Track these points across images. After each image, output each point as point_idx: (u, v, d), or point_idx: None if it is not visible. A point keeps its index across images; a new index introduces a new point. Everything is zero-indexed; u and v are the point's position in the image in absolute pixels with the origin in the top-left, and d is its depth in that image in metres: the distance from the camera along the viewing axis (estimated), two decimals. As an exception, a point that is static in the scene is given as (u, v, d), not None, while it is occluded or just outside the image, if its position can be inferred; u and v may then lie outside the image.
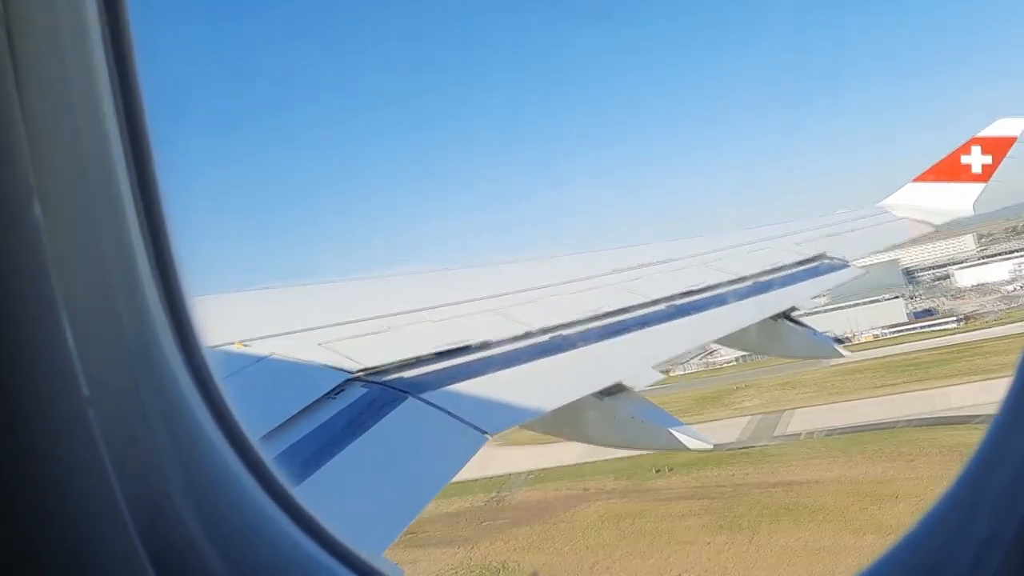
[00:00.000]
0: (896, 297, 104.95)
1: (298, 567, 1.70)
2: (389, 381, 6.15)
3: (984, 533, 1.36)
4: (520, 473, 62.75)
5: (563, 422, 7.60)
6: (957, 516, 1.48)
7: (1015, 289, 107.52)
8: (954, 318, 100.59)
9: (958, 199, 18.09)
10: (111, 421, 1.42)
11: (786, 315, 10.71)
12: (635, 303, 9.19)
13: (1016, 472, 1.36)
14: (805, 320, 11.02)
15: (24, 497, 1.29)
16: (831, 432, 68.34)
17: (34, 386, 1.30)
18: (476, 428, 5.85)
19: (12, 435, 1.27)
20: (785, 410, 77.35)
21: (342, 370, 6.08)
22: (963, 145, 18.56)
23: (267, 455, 1.80)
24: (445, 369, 6.71)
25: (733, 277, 10.86)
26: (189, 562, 1.51)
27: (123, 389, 1.50)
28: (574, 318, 8.28)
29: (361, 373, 6.11)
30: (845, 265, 12.87)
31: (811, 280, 11.95)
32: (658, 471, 64.32)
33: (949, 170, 18.40)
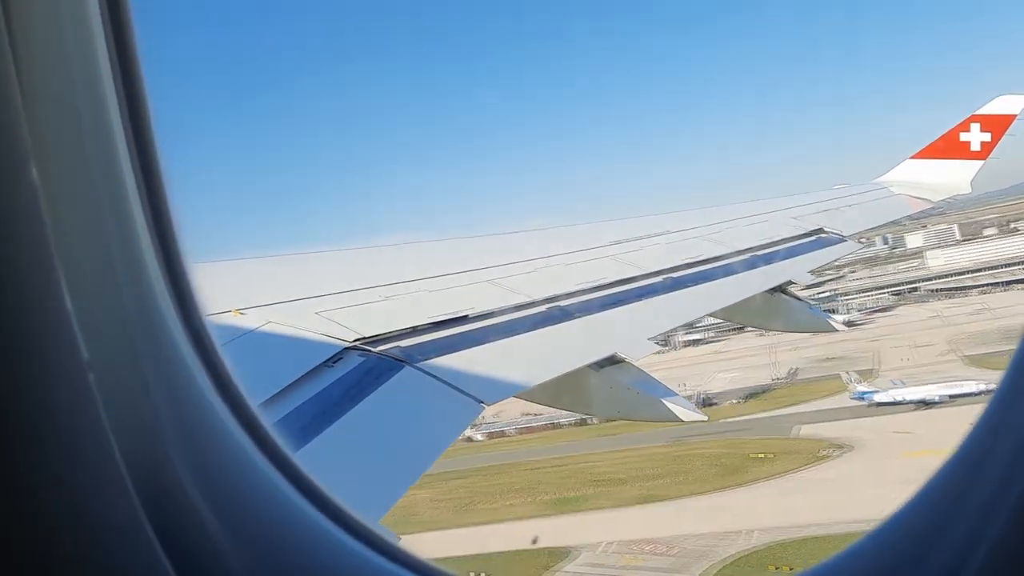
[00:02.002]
0: None
1: (296, 530, 1.71)
2: (386, 350, 6.15)
3: (978, 512, 1.36)
4: None
5: (560, 392, 7.63)
6: (955, 488, 1.48)
7: None
8: None
9: (956, 176, 18.09)
10: (111, 385, 1.42)
11: (783, 289, 10.73)
12: (633, 275, 9.20)
13: (1016, 445, 1.36)
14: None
15: (25, 460, 1.29)
16: None
17: (34, 350, 1.30)
18: (473, 398, 5.87)
19: (12, 399, 1.27)
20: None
21: (339, 339, 6.08)
22: (962, 122, 18.53)
23: (265, 419, 1.81)
24: (442, 339, 6.72)
25: (731, 250, 10.87)
26: (188, 524, 1.51)
27: (122, 353, 1.50)
28: (572, 289, 8.29)
29: (358, 342, 6.12)
30: (842, 240, 12.89)
31: (808, 254, 11.98)
32: None
33: (948, 147, 18.38)
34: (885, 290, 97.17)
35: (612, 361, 7.44)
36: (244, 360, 5.48)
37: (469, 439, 77.10)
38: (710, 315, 10.84)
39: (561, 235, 11.95)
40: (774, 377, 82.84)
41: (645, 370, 7.72)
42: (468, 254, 9.68)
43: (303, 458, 4.42)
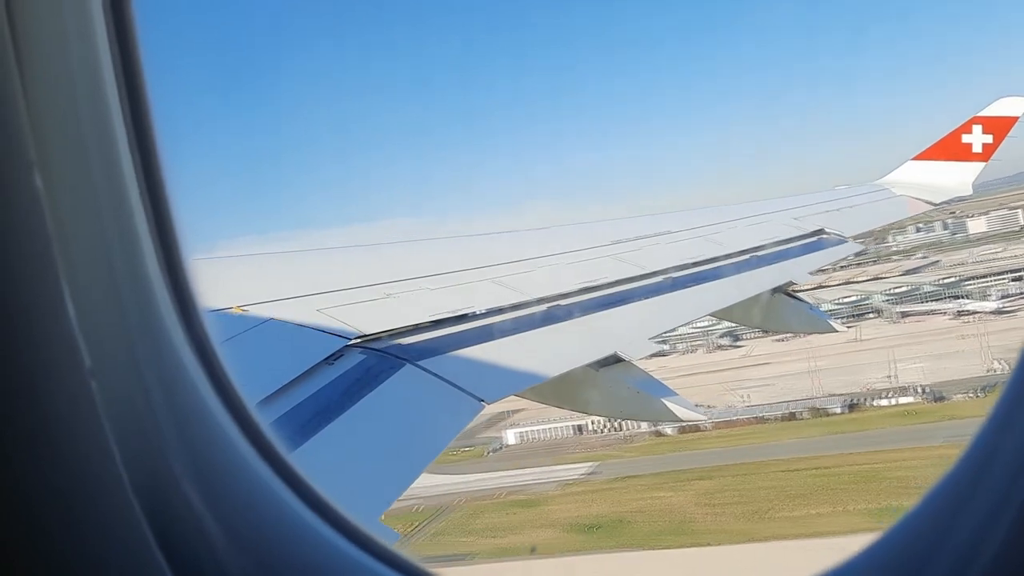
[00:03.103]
0: None
1: (294, 533, 1.71)
2: (387, 348, 6.17)
3: (983, 516, 1.36)
4: None
5: (559, 391, 7.64)
6: (961, 491, 1.48)
7: None
8: None
9: (958, 178, 18.10)
10: (112, 391, 1.43)
11: (783, 289, 10.73)
12: (633, 275, 9.20)
13: (1017, 456, 1.37)
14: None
15: (27, 467, 1.30)
16: None
17: (37, 357, 1.31)
18: (473, 396, 5.88)
19: (16, 405, 1.28)
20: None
21: (340, 336, 6.09)
22: (964, 124, 18.53)
23: (264, 422, 1.81)
24: (443, 337, 6.73)
25: (732, 251, 10.87)
26: (188, 528, 1.52)
27: (124, 359, 1.50)
28: (572, 288, 8.30)
29: (359, 339, 6.13)
30: (843, 241, 12.90)
31: (809, 255, 11.99)
32: None
33: (950, 149, 18.38)
34: (1004, 275, 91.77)
35: (612, 361, 7.45)
36: (246, 357, 5.50)
37: (658, 433, 69.36)
38: (711, 315, 10.84)
39: (561, 234, 11.96)
40: (988, 369, 75.55)
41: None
42: (469, 252, 9.70)
43: (303, 456, 4.45)
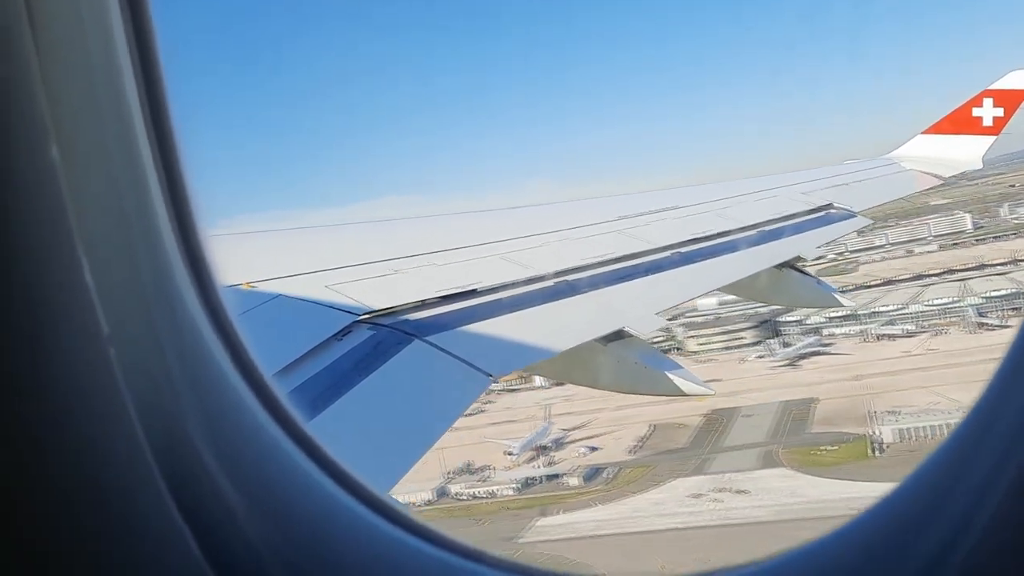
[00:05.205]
0: None
1: (309, 498, 1.73)
2: (395, 323, 6.19)
3: (981, 481, 1.36)
4: None
5: (567, 366, 7.67)
6: (955, 463, 1.49)
7: None
8: None
9: (968, 152, 17.96)
10: (130, 358, 1.44)
11: (791, 264, 10.72)
12: (641, 250, 9.20)
13: (1016, 422, 1.38)
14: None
15: (48, 435, 1.32)
16: None
17: (56, 326, 1.32)
18: (481, 371, 5.91)
19: (35, 374, 1.29)
20: None
21: (349, 312, 6.11)
22: (975, 97, 18.36)
23: (279, 388, 1.83)
24: (451, 312, 6.75)
25: (739, 225, 10.85)
26: (206, 492, 1.55)
27: (141, 327, 1.52)
28: (579, 264, 8.30)
29: (367, 315, 6.15)
30: (852, 215, 12.85)
31: (818, 229, 11.95)
32: None
33: (960, 122, 18.23)
34: None
35: (620, 336, 7.47)
36: (254, 333, 5.47)
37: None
38: (719, 290, 10.85)
39: (568, 210, 11.95)
40: None
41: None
42: (476, 228, 9.70)
43: (312, 430, 4.47)
